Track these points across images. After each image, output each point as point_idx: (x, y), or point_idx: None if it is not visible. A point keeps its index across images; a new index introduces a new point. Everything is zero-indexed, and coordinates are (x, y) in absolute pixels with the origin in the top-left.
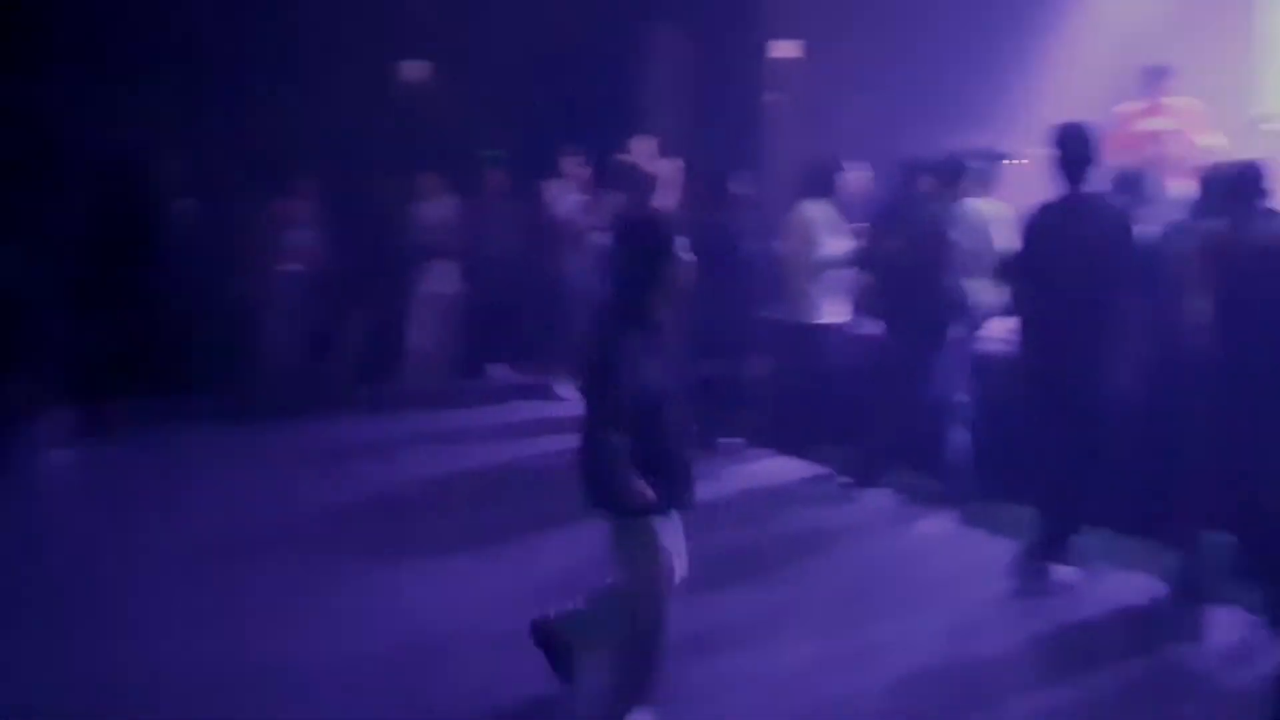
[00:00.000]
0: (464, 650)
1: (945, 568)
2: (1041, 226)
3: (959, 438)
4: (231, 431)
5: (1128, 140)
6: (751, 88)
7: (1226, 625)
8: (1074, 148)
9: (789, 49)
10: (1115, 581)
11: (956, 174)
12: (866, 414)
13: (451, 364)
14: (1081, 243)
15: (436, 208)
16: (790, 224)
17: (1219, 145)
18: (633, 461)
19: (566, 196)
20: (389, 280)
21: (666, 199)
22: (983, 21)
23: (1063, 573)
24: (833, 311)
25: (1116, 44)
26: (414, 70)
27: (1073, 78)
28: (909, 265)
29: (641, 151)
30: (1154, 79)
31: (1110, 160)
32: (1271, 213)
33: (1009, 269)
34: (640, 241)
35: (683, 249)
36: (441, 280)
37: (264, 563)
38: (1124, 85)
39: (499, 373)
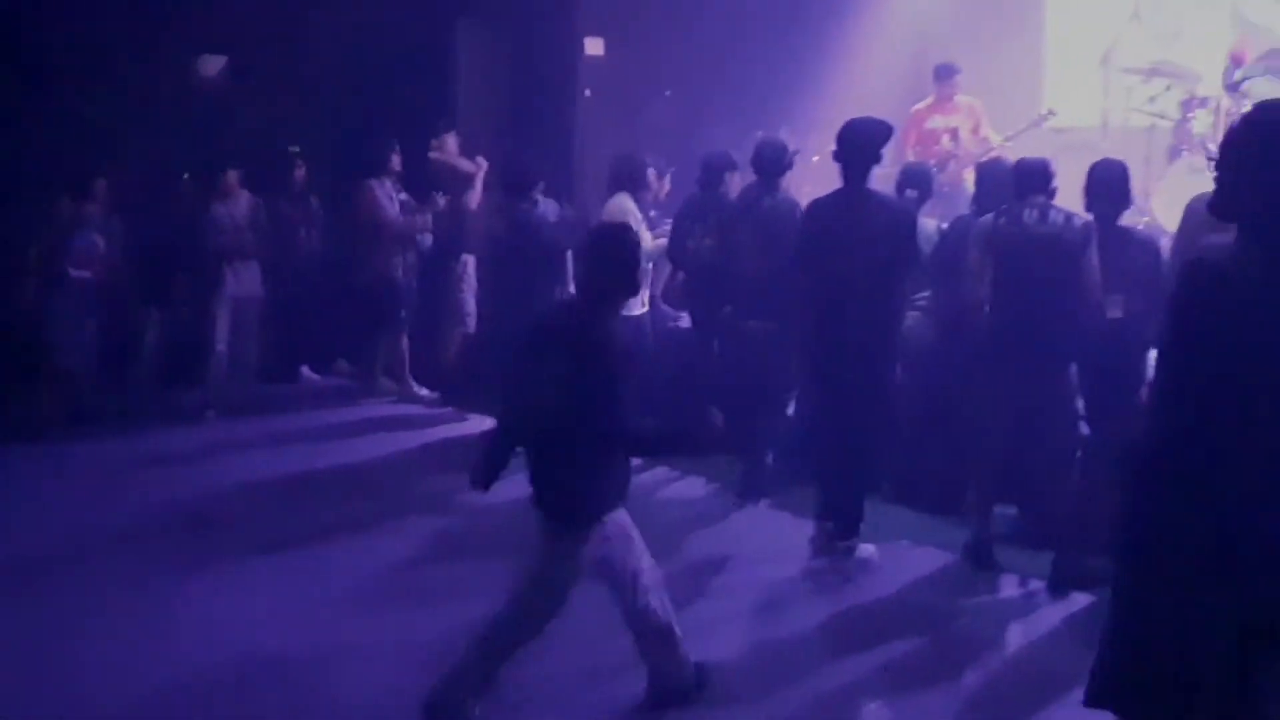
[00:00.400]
0: (276, 665)
1: (752, 550)
2: (822, 220)
3: (777, 425)
4: (25, 447)
5: (920, 136)
6: (563, 84)
7: (1012, 591)
8: (855, 144)
9: (598, 46)
10: (912, 556)
11: (776, 166)
12: (676, 405)
13: (259, 368)
14: (861, 236)
15: (238, 206)
16: (600, 218)
17: (1004, 142)
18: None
19: (391, 195)
20: (189, 283)
21: (474, 196)
22: (785, 20)
23: (862, 550)
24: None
25: (911, 42)
26: (214, 65)
27: (869, 75)
28: (718, 259)
29: (449, 148)
30: (944, 77)
31: (905, 155)
32: (1047, 206)
33: (793, 262)
34: (614, 250)
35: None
36: (245, 282)
37: (62, 582)
38: (918, 82)
39: (310, 376)
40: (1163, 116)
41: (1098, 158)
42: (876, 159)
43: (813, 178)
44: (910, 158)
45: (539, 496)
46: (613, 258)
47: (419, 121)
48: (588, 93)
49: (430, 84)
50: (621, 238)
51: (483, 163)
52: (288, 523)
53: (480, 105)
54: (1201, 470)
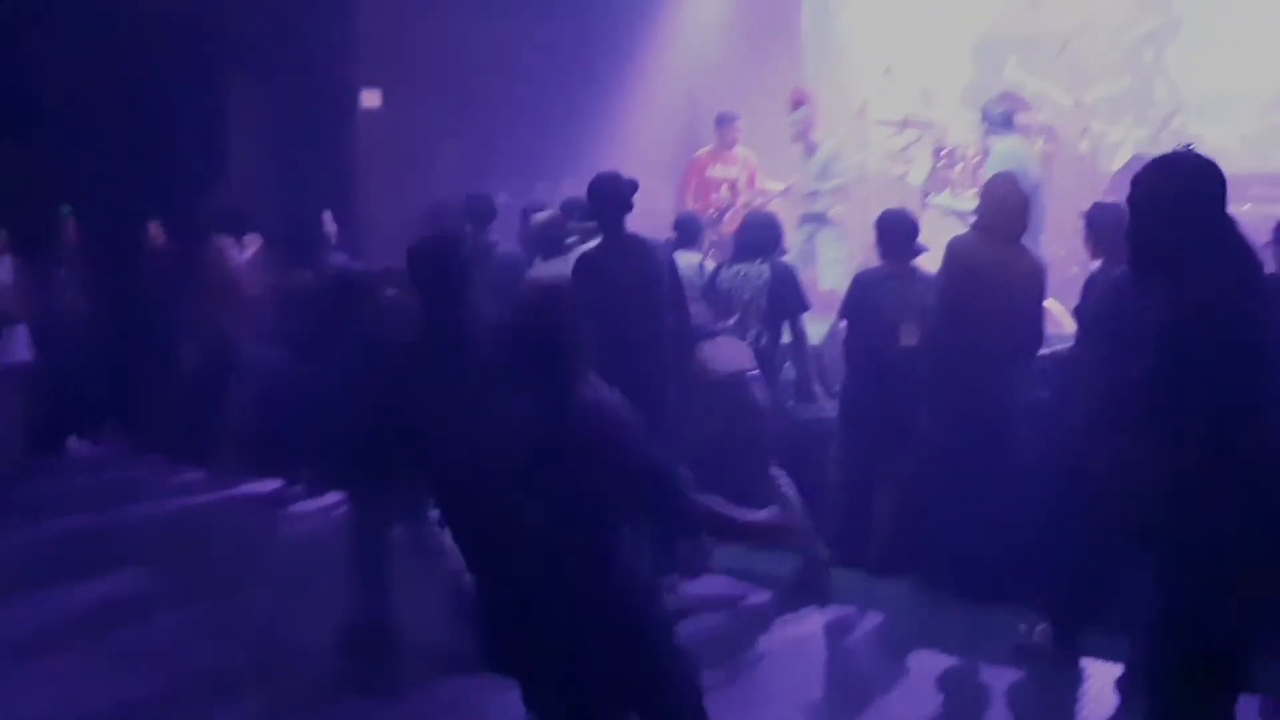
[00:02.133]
0: None
1: None
2: (588, 270)
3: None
4: None
5: (700, 184)
6: (340, 136)
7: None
8: (603, 197)
9: (375, 98)
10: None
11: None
12: None
13: (24, 439)
14: (624, 283)
15: (3, 269)
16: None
17: (777, 191)
18: None
19: (232, 253)
20: None
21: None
22: (565, 71)
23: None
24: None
25: (685, 93)
26: None
27: (648, 124)
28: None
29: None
30: (725, 124)
31: (685, 202)
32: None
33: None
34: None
35: None
36: (7, 348)
37: None
38: (695, 131)
39: (81, 446)
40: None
41: (858, 206)
42: (627, 207)
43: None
44: (690, 204)
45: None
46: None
47: (187, 176)
48: (365, 145)
49: (199, 138)
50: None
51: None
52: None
53: (254, 159)
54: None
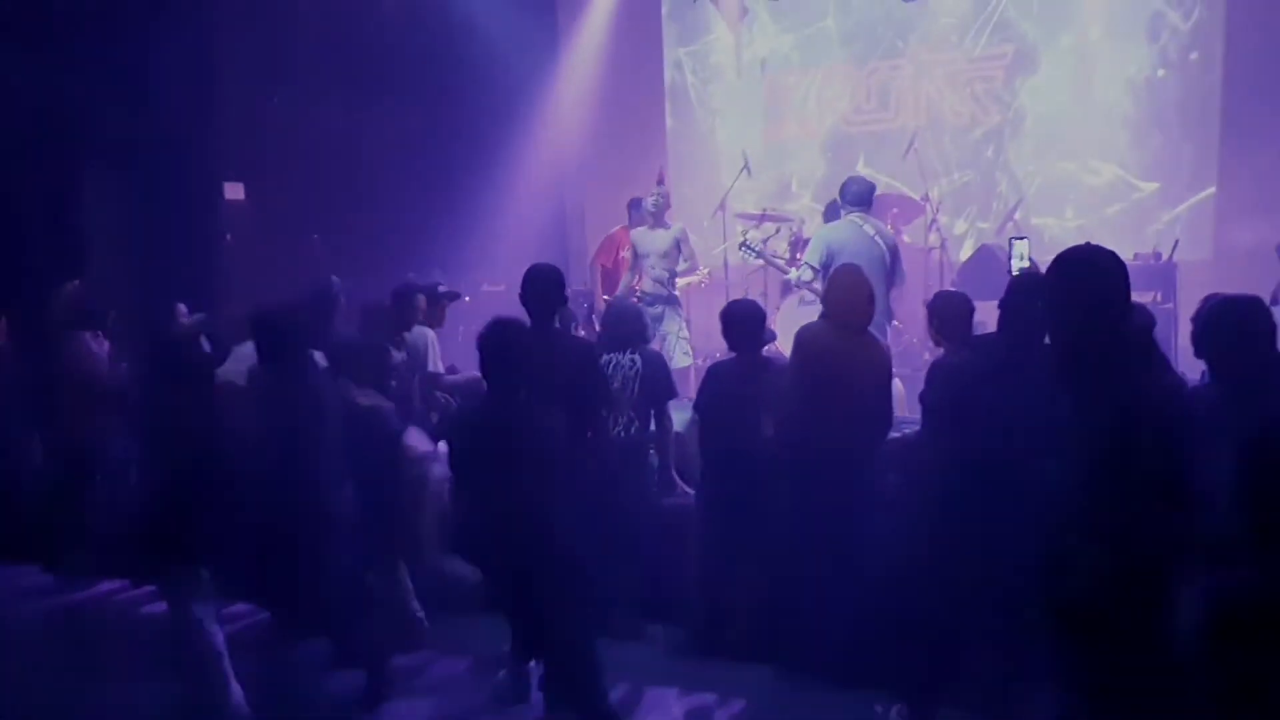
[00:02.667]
0: None
1: None
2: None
3: None
4: None
5: (617, 262)
6: (203, 228)
7: None
8: (538, 289)
9: (238, 190)
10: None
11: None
12: None
13: None
14: (551, 372)
15: None
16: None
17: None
18: None
19: (91, 346)
20: None
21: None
22: (436, 164)
23: None
24: None
25: (552, 186)
26: None
27: (515, 216)
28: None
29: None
30: (636, 208)
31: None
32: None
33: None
34: None
35: None
36: None
37: None
38: (562, 221)
39: None
40: (775, 256)
41: (722, 294)
42: (562, 301)
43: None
44: (603, 288)
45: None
46: None
47: (42, 270)
48: (229, 237)
49: (56, 230)
50: None
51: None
52: None
53: (114, 252)
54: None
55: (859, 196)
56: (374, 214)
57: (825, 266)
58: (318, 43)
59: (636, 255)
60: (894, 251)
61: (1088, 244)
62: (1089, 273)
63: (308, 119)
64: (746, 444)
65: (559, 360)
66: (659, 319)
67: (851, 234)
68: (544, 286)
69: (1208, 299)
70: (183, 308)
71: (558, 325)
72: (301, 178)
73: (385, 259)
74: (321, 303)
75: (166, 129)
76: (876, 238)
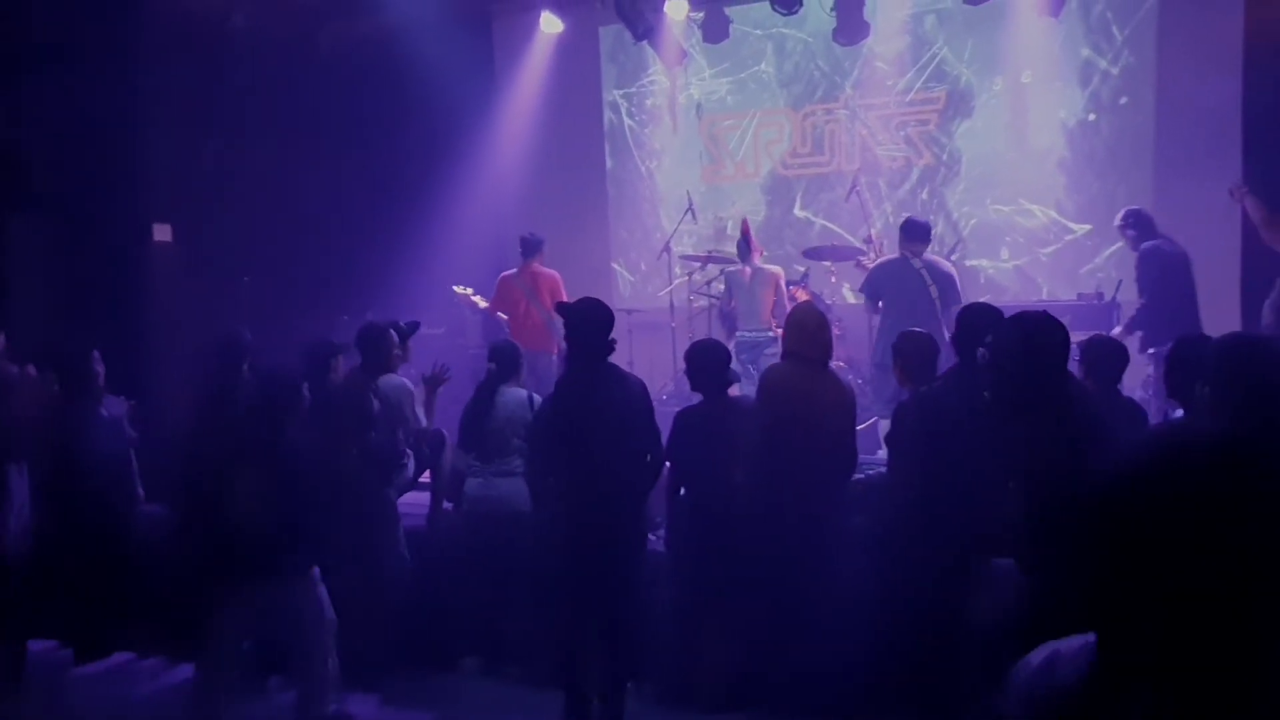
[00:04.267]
0: None
1: None
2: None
3: None
4: None
5: (506, 306)
6: (131, 271)
7: None
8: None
9: (166, 232)
10: None
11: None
12: None
13: None
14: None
15: None
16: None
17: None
18: None
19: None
20: None
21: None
22: (368, 206)
23: None
24: None
25: (492, 224)
26: None
27: (455, 253)
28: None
29: None
30: (528, 249)
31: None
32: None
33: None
34: None
35: None
36: None
37: None
38: (501, 258)
39: None
40: (719, 297)
41: (666, 336)
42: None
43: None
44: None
45: None
46: None
47: None
48: (156, 279)
49: None
50: None
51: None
52: None
53: (37, 293)
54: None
55: (911, 234)
56: (307, 256)
57: (873, 298)
58: (253, 82)
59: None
60: (945, 282)
61: (1043, 311)
62: (1044, 338)
63: (240, 159)
64: (718, 491)
65: (615, 399)
66: None
67: (898, 268)
68: (590, 325)
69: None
70: (96, 355)
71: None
72: (233, 219)
73: (319, 302)
74: (228, 354)
75: (93, 170)
76: (923, 271)
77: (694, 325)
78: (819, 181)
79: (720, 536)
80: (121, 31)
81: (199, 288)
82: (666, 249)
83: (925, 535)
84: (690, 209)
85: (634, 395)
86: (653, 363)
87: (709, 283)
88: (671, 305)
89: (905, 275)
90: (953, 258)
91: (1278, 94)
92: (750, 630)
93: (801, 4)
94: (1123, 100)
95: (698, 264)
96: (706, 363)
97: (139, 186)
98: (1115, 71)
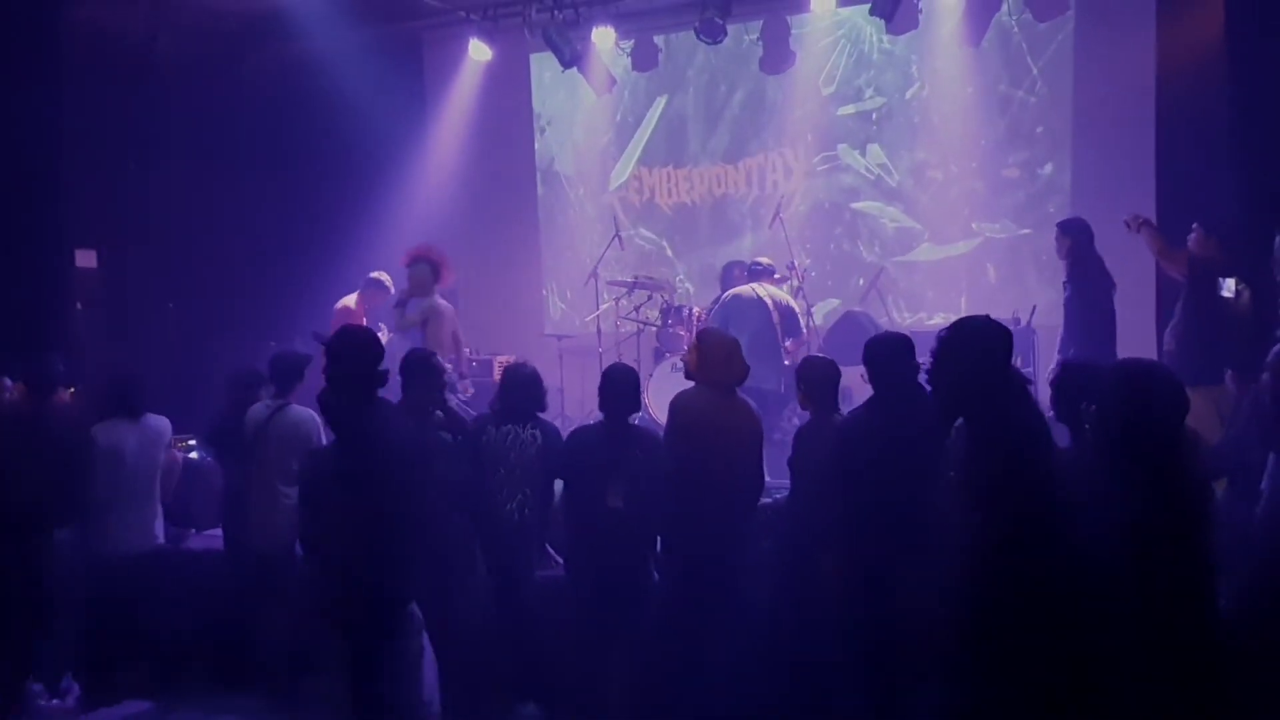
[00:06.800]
0: None
1: None
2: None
3: None
4: None
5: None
6: (53, 296)
7: None
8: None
9: (90, 258)
10: None
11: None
12: None
13: None
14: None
15: None
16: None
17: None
18: None
19: None
20: None
21: None
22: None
23: None
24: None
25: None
26: None
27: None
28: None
29: None
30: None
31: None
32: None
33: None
34: None
35: None
36: None
37: None
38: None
39: None
40: (647, 323)
41: (595, 361)
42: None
43: None
44: None
45: None
46: None
47: None
48: (79, 305)
49: None
50: None
51: None
52: None
53: None
54: None
55: (754, 271)
56: (233, 282)
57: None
58: (179, 107)
59: None
60: (784, 311)
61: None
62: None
63: (166, 185)
64: (601, 512)
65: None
66: None
67: (746, 298)
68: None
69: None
70: (8, 381)
71: None
72: (157, 245)
73: (244, 328)
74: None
75: (16, 195)
76: (766, 300)
77: (622, 350)
78: (752, 205)
79: (605, 559)
80: (46, 56)
81: (122, 314)
82: (594, 274)
83: (851, 556)
84: (617, 234)
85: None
86: (582, 388)
87: (637, 308)
88: (599, 331)
89: (750, 304)
90: (878, 285)
91: (1189, 118)
92: (651, 656)
93: (726, 33)
94: (1039, 129)
95: (625, 289)
96: (614, 383)
97: (62, 212)
98: (1032, 100)
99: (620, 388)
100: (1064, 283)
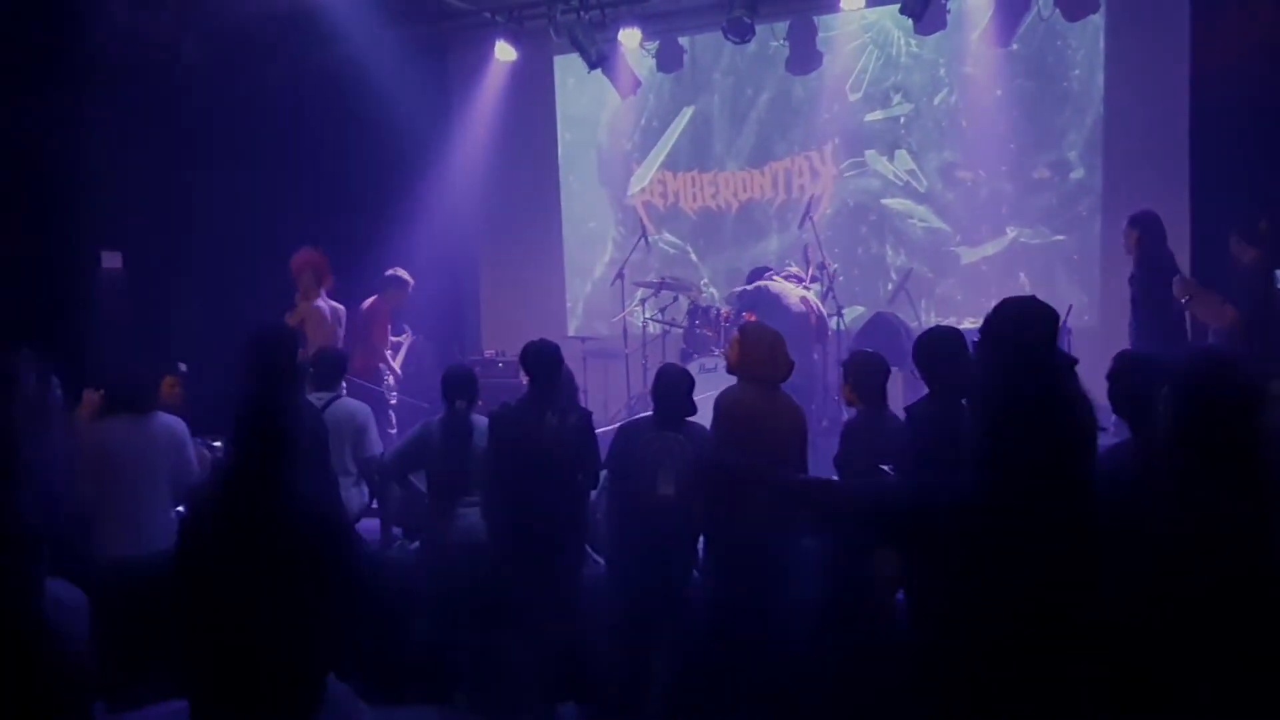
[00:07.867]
0: None
1: None
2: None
3: None
4: None
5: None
6: (80, 297)
7: None
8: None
9: (115, 259)
10: None
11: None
12: None
13: None
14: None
15: None
16: None
17: None
18: None
19: None
20: None
21: None
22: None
23: None
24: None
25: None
26: None
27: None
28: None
29: None
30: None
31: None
32: None
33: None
34: None
35: None
36: None
37: None
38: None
39: None
40: (673, 324)
41: (620, 364)
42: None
43: None
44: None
45: None
46: None
47: None
48: (104, 306)
49: None
50: None
51: None
52: None
53: None
54: None
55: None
56: (259, 283)
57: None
58: (206, 109)
59: None
60: (820, 318)
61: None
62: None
63: (193, 187)
64: (650, 504)
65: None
66: None
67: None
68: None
69: None
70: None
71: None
72: (184, 246)
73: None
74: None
75: (43, 197)
76: (801, 305)
77: (648, 351)
78: (780, 207)
79: (655, 554)
80: (72, 58)
81: (147, 315)
82: (620, 275)
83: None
84: (644, 236)
85: None
86: (607, 389)
87: (663, 309)
88: (625, 332)
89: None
90: (907, 286)
91: (1224, 118)
92: (693, 651)
93: (754, 32)
94: (1070, 131)
95: (652, 289)
96: (668, 384)
97: (88, 213)
98: (1063, 101)
99: (679, 388)
100: (1130, 277)
